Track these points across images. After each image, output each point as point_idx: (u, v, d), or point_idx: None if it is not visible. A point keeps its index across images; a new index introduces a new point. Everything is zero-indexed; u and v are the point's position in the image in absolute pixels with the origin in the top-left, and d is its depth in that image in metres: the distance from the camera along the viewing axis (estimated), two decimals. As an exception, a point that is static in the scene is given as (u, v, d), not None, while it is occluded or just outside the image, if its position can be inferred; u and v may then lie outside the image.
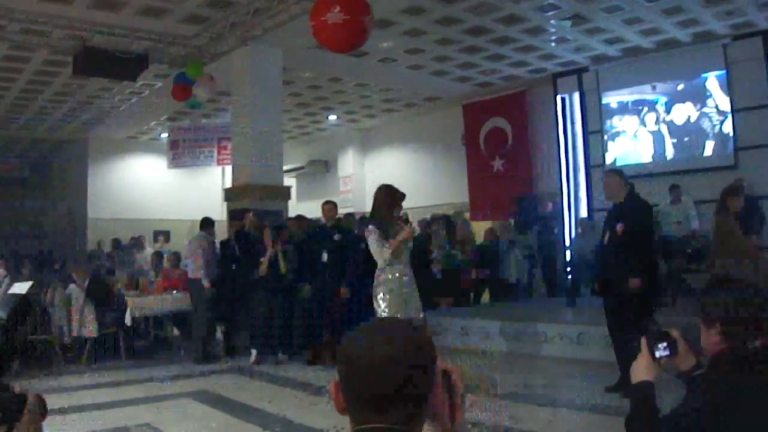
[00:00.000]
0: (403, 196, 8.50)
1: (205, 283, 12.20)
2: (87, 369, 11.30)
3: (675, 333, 3.13)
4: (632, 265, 8.14)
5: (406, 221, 8.80)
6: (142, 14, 13.10)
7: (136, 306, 12.43)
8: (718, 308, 2.96)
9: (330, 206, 11.84)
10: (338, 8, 9.13)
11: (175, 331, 13.79)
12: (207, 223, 13.09)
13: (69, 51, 13.82)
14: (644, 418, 2.99)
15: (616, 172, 9.05)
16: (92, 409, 8.44)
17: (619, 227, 8.34)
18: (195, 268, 12.38)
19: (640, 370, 3.09)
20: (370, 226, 8.31)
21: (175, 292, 13.38)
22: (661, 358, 3.07)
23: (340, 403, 1.86)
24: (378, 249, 8.18)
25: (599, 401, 8.00)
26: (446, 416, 1.86)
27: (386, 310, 8.10)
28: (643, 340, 3.12)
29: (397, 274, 8.18)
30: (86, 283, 12.21)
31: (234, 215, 13.74)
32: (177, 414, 8.30)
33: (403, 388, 1.76)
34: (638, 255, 8.22)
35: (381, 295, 8.20)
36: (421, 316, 8.31)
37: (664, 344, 3.07)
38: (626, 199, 8.58)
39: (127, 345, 12.16)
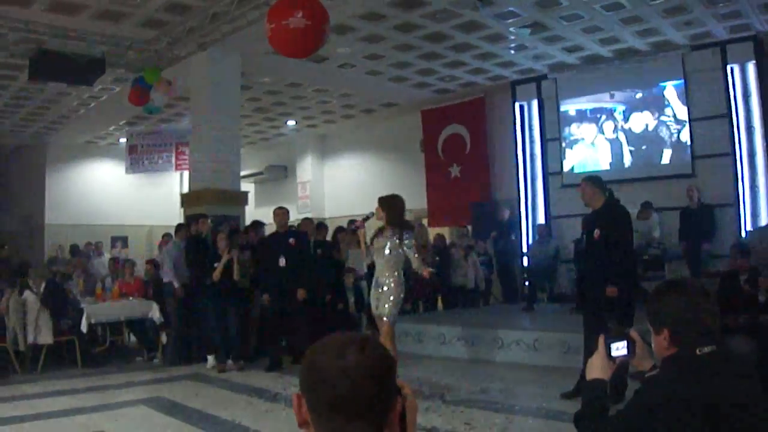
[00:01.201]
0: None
1: (176, 284, 12.47)
2: (42, 377, 11.14)
3: (634, 334, 3.16)
4: (610, 272, 8.25)
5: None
6: (100, 18, 12.95)
7: (93, 312, 12.32)
8: (666, 314, 2.95)
9: (282, 212, 11.93)
10: (301, 14, 9.06)
11: (132, 338, 13.67)
12: (179, 229, 13.20)
13: (25, 54, 13.67)
14: (593, 415, 3.02)
15: (591, 179, 9.07)
16: (47, 417, 8.36)
17: (596, 233, 8.47)
18: (167, 272, 12.64)
19: (595, 368, 3.12)
20: None
21: (131, 298, 13.32)
22: (617, 357, 3.10)
23: (302, 415, 1.85)
24: None
25: (554, 407, 8.05)
26: (398, 429, 1.87)
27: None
28: (601, 339, 3.14)
29: (375, 275, 9.07)
30: (42, 290, 12.10)
31: (190, 220, 13.65)
32: (132, 421, 8.26)
33: (375, 396, 1.78)
34: (616, 262, 8.33)
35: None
36: (384, 319, 8.76)
37: (623, 344, 3.09)
38: (604, 206, 8.68)
39: (83, 352, 12.03)
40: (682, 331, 2.89)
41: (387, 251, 8.82)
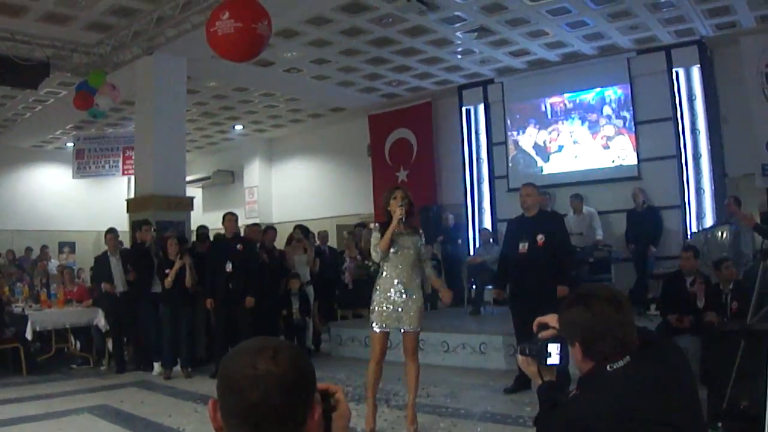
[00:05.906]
0: (394, 188, 7.77)
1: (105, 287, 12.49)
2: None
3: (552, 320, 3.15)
4: (561, 274, 8.66)
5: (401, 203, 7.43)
6: (45, 21, 12.80)
7: (38, 320, 12.16)
8: (576, 326, 2.89)
9: (231, 218, 11.86)
10: (266, 22, 8.94)
11: (78, 345, 13.51)
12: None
13: (-33, 57, 13.50)
14: (547, 413, 3.03)
15: (535, 186, 9.31)
16: (-12, 427, 8.25)
17: (541, 238, 8.75)
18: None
19: (536, 375, 3.11)
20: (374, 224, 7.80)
21: (75, 304, 13.18)
22: (552, 366, 3.09)
23: (217, 422, 1.84)
24: (373, 245, 7.51)
25: (499, 410, 8.11)
26: None
27: (373, 320, 7.53)
28: (519, 356, 3.16)
29: (391, 280, 7.49)
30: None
31: (135, 226, 13.55)
32: (77, 430, 8.16)
33: (286, 406, 1.76)
34: (565, 264, 8.87)
35: (372, 302, 7.56)
36: (403, 330, 7.53)
37: (556, 347, 3.03)
38: (544, 212, 8.99)
39: (28, 360, 11.90)
40: (593, 344, 2.83)
41: (414, 251, 7.69)
